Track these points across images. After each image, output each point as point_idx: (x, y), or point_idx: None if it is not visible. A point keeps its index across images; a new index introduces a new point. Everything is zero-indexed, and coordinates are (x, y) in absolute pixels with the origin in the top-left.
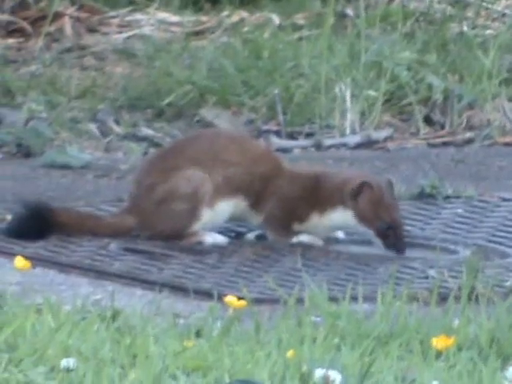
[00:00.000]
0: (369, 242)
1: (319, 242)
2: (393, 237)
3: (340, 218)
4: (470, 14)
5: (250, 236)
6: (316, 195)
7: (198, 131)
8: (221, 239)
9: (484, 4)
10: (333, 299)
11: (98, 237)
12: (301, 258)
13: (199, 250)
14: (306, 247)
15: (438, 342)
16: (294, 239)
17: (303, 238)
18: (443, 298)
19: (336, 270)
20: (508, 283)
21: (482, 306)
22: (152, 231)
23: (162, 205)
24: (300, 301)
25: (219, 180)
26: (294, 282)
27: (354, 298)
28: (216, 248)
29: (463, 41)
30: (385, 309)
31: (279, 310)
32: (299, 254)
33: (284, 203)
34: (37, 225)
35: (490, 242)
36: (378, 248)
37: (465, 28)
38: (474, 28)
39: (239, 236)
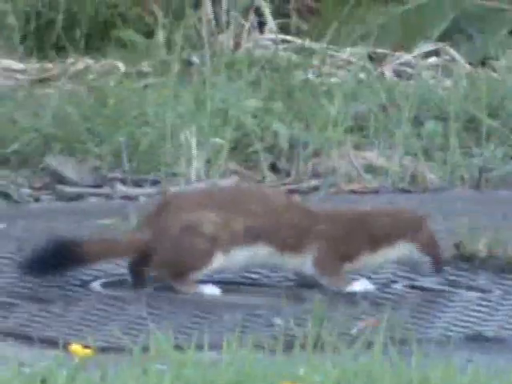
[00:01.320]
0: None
1: (372, 287)
2: (438, 258)
3: (403, 251)
4: (315, 61)
5: (95, 284)
6: (367, 234)
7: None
8: (217, 291)
9: (329, 52)
10: (178, 347)
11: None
12: (146, 307)
13: (44, 299)
14: (151, 295)
15: None
16: (348, 288)
17: (357, 286)
18: (289, 346)
19: (182, 318)
20: (353, 331)
21: (327, 353)
22: (165, 255)
23: (185, 235)
24: (146, 349)
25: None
26: (139, 330)
27: (200, 346)
28: (61, 296)
29: (308, 88)
30: (230, 357)
31: (125, 358)
32: (145, 302)
33: (333, 245)
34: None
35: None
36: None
37: (310, 76)
38: (319, 76)
39: (84, 284)
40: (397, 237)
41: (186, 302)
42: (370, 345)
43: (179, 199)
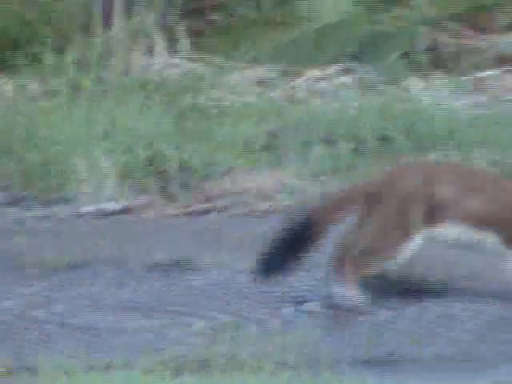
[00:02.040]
0: None
1: None
2: None
3: None
4: (204, 85)
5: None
6: None
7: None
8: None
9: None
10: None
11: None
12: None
13: None
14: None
15: None
16: None
17: None
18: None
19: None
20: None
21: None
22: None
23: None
24: None
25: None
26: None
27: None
28: None
29: (199, 111)
30: None
31: None
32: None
33: None
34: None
35: None
36: None
37: (202, 99)
38: (210, 100)
39: None
40: None
41: (78, 328)
42: (259, 369)
43: (415, 168)
